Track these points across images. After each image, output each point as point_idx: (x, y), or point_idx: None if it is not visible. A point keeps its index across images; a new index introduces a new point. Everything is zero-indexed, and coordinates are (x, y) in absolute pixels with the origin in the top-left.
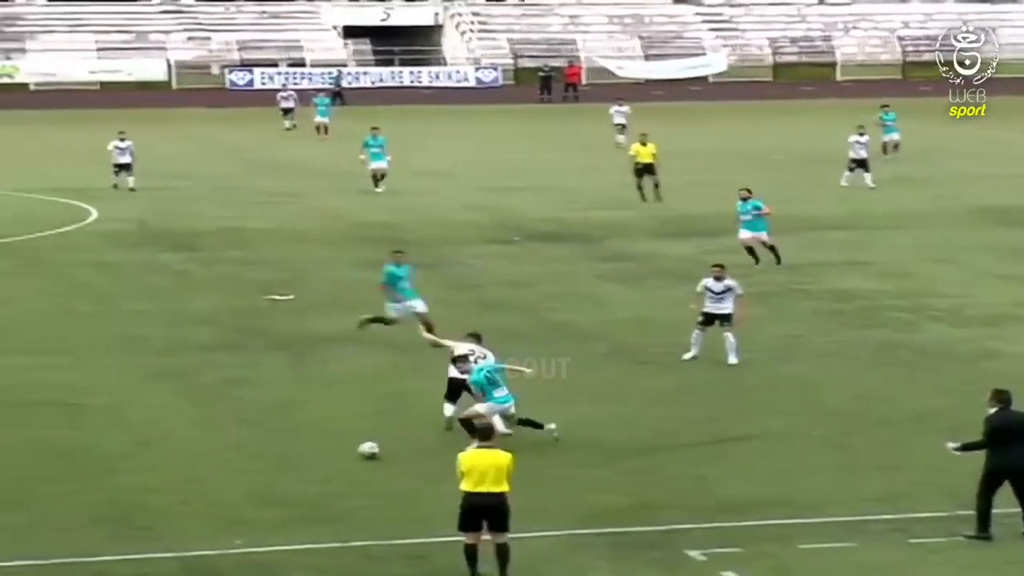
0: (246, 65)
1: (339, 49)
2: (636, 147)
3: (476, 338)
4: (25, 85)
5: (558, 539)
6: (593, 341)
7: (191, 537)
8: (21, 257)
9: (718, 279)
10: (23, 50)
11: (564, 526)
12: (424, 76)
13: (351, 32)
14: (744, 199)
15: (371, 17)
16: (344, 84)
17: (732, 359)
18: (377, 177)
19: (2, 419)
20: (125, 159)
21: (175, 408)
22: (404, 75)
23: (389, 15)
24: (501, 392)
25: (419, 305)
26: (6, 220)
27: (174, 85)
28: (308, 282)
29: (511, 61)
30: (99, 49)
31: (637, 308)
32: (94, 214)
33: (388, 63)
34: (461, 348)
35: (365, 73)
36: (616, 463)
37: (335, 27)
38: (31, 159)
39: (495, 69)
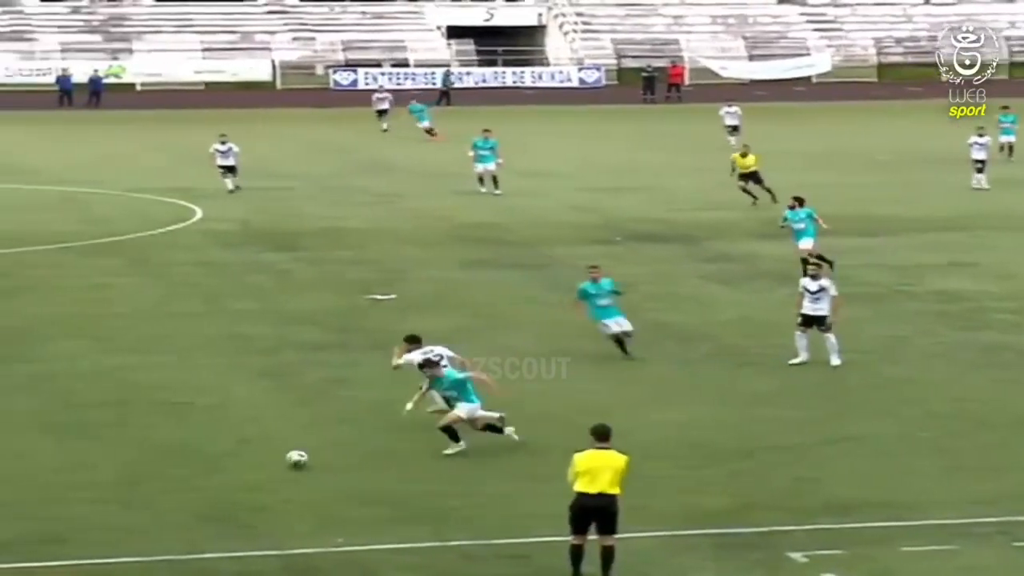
0: (350, 65)
1: (442, 49)
2: (736, 157)
3: (415, 341)
4: (132, 85)
5: (660, 539)
6: (695, 342)
7: (293, 535)
8: (128, 256)
9: (813, 278)
10: (130, 50)
11: (666, 527)
12: (527, 76)
13: (455, 32)
14: (793, 207)
15: (475, 17)
16: (453, 84)
17: (835, 360)
18: (483, 179)
19: (109, 417)
20: (229, 161)
21: (278, 407)
22: (507, 75)
23: (492, 15)
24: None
25: (613, 325)
26: (114, 219)
27: (278, 85)
28: (410, 282)
29: (614, 61)
30: (204, 49)
31: (740, 309)
32: (199, 213)
33: (491, 63)
34: (416, 356)
35: (468, 73)
36: (718, 464)
37: (439, 27)
38: (138, 158)
39: (598, 69)
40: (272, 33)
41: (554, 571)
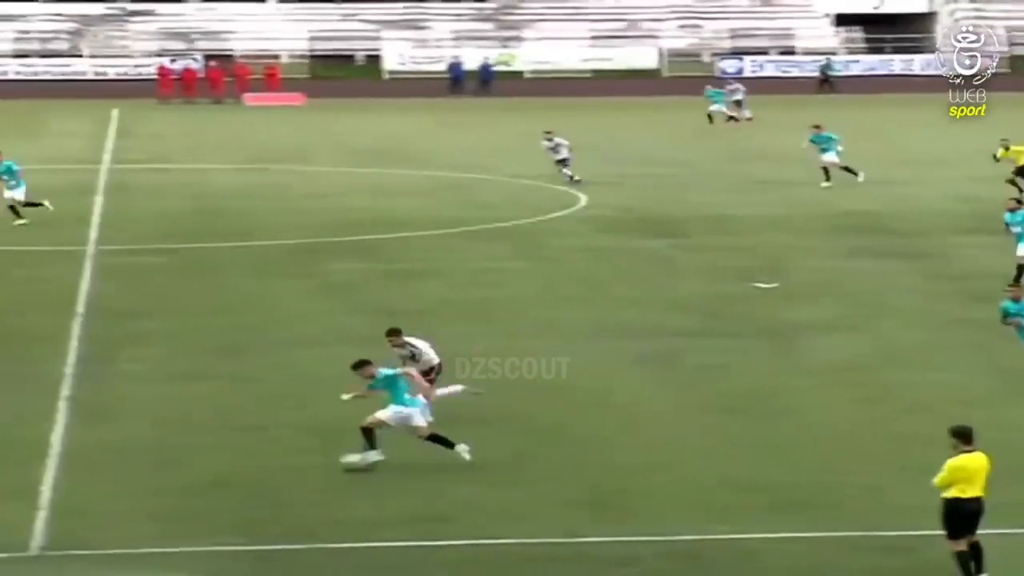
0: (737, 53)
1: (830, 37)
2: (1004, 152)
3: (395, 333)
4: (520, 73)
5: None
6: None
7: (671, 521)
8: (514, 241)
9: None
10: (519, 38)
11: None
12: (916, 64)
13: (843, 20)
14: (1012, 209)
15: (864, 4)
16: (834, 72)
17: None
18: (834, 169)
19: (498, 398)
20: (561, 155)
21: (657, 392)
22: (895, 63)
23: (882, 2)
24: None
25: None
26: (501, 204)
27: (664, 73)
28: (792, 270)
29: (1006, 49)
30: (593, 37)
31: None
32: (583, 200)
33: (879, 51)
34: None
35: (856, 61)
36: None
37: (827, 15)
38: (525, 145)
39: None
40: (660, 21)
41: (937, 566)
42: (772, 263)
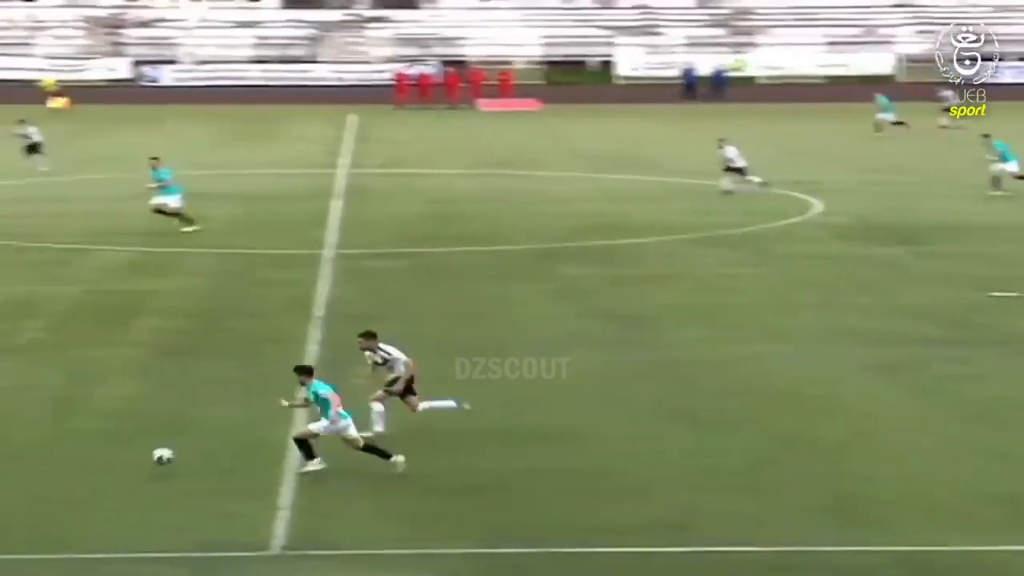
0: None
1: None
2: None
3: (371, 336)
4: (752, 79)
5: None
6: None
7: (909, 531)
8: (746, 247)
9: None
10: (753, 44)
11: None
12: None
13: None
14: None
15: None
16: None
17: None
18: (998, 181)
19: (731, 405)
20: (737, 164)
21: (894, 400)
22: None
23: None
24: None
25: None
26: (733, 210)
27: (900, 79)
28: None
29: None
30: (828, 43)
31: None
32: (817, 206)
33: None
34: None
35: None
36: None
37: None
38: (756, 152)
39: None
40: (896, 27)
41: None
42: (1010, 271)
